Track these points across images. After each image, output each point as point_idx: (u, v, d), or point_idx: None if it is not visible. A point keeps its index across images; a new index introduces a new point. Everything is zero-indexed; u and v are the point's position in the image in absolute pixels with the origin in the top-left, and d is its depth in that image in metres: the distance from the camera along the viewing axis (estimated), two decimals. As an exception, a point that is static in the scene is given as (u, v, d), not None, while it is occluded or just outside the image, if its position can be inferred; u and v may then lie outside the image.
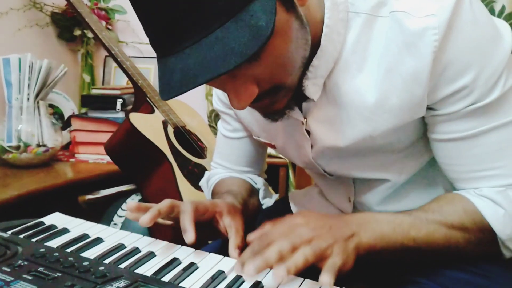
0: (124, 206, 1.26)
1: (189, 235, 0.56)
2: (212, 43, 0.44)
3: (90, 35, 1.65)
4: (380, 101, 0.56)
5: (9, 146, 1.29)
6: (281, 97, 0.55)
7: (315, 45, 0.55)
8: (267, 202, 0.83)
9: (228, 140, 0.83)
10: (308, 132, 0.64)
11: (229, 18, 0.44)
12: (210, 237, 0.69)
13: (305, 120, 0.63)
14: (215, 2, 0.43)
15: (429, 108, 0.57)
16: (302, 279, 0.50)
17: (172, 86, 0.47)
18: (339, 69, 0.57)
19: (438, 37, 0.50)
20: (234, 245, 0.59)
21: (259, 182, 0.84)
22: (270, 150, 1.46)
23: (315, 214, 0.56)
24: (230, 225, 0.62)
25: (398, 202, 0.69)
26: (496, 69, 0.53)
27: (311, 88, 0.58)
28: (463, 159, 0.57)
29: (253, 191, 0.82)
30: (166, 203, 0.59)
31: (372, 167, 0.67)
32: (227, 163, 0.85)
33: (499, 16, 1.22)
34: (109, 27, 1.70)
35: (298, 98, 0.59)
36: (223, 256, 0.55)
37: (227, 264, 0.53)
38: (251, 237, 0.55)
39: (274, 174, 1.46)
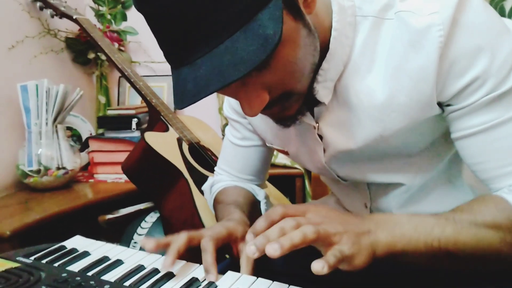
0: (143, 224, 1.27)
1: (212, 277, 0.54)
2: (222, 53, 0.45)
3: (103, 57, 1.69)
4: (388, 100, 0.57)
5: (30, 171, 1.32)
6: (292, 103, 0.56)
7: (324, 49, 0.56)
8: None
9: (236, 148, 0.83)
10: (321, 137, 0.65)
11: (238, 28, 0.45)
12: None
13: (317, 124, 0.63)
14: (224, 13, 0.45)
15: (446, 105, 0.56)
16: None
17: (186, 95, 0.48)
18: (349, 71, 0.58)
19: (443, 33, 0.51)
20: (247, 273, 0.57)
21: (260, 194, 0.84)
22: (286, 161, 1.47)
23: (330, 207, 0.54)
24: (242, 251, 0.61)
25: (417, 205, 0.69)
26: (506, 57, 0.52)
27: (322, 91, 0.58)
28: (489, 154, 0.56)
29: (255, 204, 0.82)
30: (183, 240, 0.58)
31: (385, 171, 0.66)
32: (232, 170, 0.85)
33: (510, 14, 1.20)
34: (122, 48, 1.74)
35: (310, 103, 0.60)
36: (241, 274, 0.55)
37: (246, 282, 0.54)
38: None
39: (291, 184, 1.46)
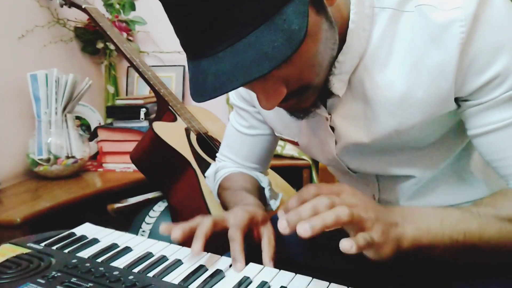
0: (151, 213, 1.28)
1: (240, 265, 0.54)
2: (246, 48, 0.44)
3: (112, 47, 1.69)
4: (405, 95, 0.56)
5: (40, 159, 1.33)
6: (308, 96, 0.55)
7: (341, 41, 0.55)
8: (273, 204, 0.83)
9: (242, 136, 0.83)
10: (332, 129, 0.64)
11: (262, 22, 0.44)
12: None
13: (330, 116, 0.63)
14: (249, 6, 0.43)
15: (463, 100, 0.56)
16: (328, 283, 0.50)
17: (206, 89, 0.47)
18: (365, 64, 0.57)
19: (465, 29, 0.50)
20: (268, 257, 0.58)
21: (264, 181, 0.84)
22: (293, 152, 1.47)
23: (362, 192, 0.53)
24: (263, 234, 0.61)
25: (425, 197, 0.68)
26: None
27: (337, 84, 0.58)
28: (508, 151, 0.55)
29: (260, 190, 0.82)
30: (208, 224, 0.58)
31: (397, 164, 0.66)
32: (237, 157, 0.85)
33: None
34: (130, 38, 1.75)
35: (323, 94, 0.59)
36: (248, 262, 0.55)
37: (253, 270, 0.54)
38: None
39: (298, 175, 1.46)
